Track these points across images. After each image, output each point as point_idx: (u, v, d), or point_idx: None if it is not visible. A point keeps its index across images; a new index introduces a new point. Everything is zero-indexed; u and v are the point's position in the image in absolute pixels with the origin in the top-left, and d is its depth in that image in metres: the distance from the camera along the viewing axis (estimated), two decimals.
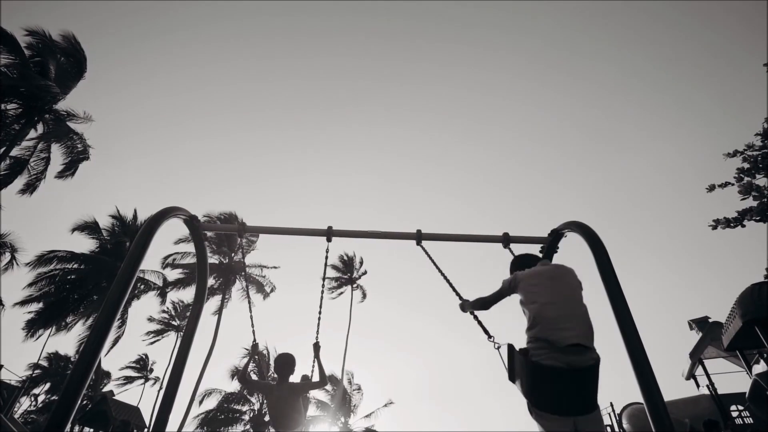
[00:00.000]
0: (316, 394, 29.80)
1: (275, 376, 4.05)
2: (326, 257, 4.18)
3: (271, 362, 29.37)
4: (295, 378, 4.03)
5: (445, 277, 3.69)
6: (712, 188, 8.44)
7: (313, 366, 4.00)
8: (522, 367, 2.43)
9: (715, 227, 8.29)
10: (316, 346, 3.91)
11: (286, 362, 3.95)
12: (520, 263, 3.11)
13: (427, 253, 3.96)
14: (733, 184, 8.35)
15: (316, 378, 3.98)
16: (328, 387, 29.41)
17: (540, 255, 3.78)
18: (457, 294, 3.48)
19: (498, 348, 2.98)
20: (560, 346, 2.31)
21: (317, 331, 3.98)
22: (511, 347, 2.64)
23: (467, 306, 3.19)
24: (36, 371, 31.77)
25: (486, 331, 3.18)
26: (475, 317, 3.26)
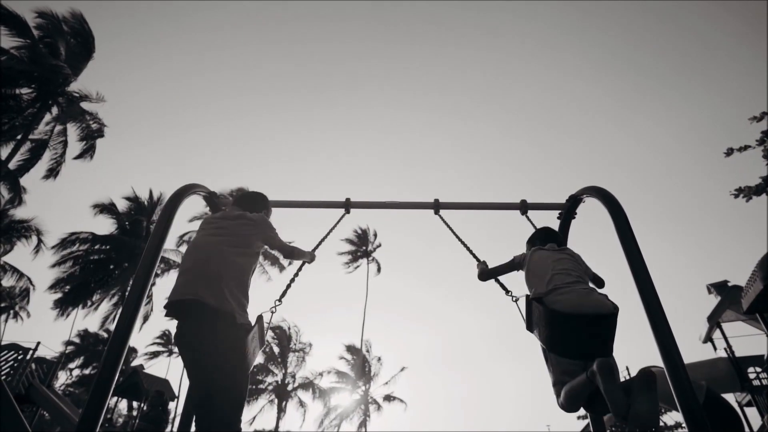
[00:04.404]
0: (336, 364, 30.64)
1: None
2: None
3: (292, 336, 30.24)
4: None
5: (463, 243, 3.68)
6: (730, 152, 7.99)
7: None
8: (540, 316, 2.56)
9: (737, 196, 7.84)
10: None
11: None
12: (530, 238, 3.34)
13: (444, 221, 3.99)
14: (753, 148, 7.90)
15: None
16: (348, 357, 30.27)
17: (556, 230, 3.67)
18: (476, 257, 3.51)
19: (516, 300, 3.10)
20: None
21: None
22: (528, 298, 2.77)
23: (485, 273, 3.23)
24: (70, 347, 33.38)
25: (504, 287, 3.25)
26: (496, 279, 3.30)
